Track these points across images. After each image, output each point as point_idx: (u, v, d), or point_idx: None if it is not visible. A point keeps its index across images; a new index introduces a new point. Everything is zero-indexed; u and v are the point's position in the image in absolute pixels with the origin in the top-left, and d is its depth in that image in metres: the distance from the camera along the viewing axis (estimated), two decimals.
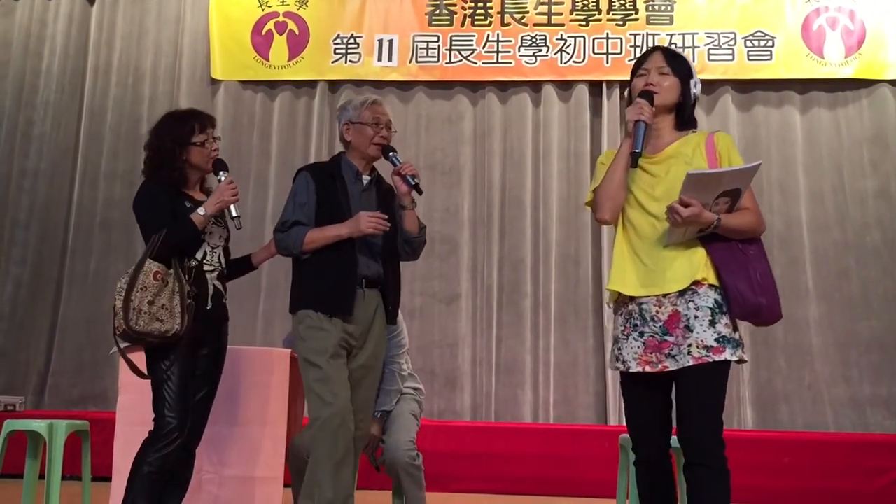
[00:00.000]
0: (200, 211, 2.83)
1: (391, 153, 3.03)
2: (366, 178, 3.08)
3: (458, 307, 5.67)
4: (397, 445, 3.16)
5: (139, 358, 2.77)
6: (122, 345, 2.73)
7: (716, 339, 2.20)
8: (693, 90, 2.41)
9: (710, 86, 5.72)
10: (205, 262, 2.89)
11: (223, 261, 2.97)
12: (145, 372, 2.76)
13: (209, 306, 2.87)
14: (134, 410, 3.13)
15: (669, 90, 2.37)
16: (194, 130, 2.94)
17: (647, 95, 2.34)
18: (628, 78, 2.46)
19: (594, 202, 2.41)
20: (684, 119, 2.43)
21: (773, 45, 5.69)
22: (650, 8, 5.79)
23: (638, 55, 3.11)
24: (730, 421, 5.35)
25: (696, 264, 2.24)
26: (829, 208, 5.64)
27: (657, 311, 2.27)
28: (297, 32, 5.92)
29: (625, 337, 2.33)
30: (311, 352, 2.85)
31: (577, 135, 5.78)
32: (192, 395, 2.82)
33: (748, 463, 4.35)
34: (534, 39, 5.82)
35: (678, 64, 2.41)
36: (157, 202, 2.86)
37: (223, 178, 2.90)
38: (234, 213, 2.89)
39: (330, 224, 2.93)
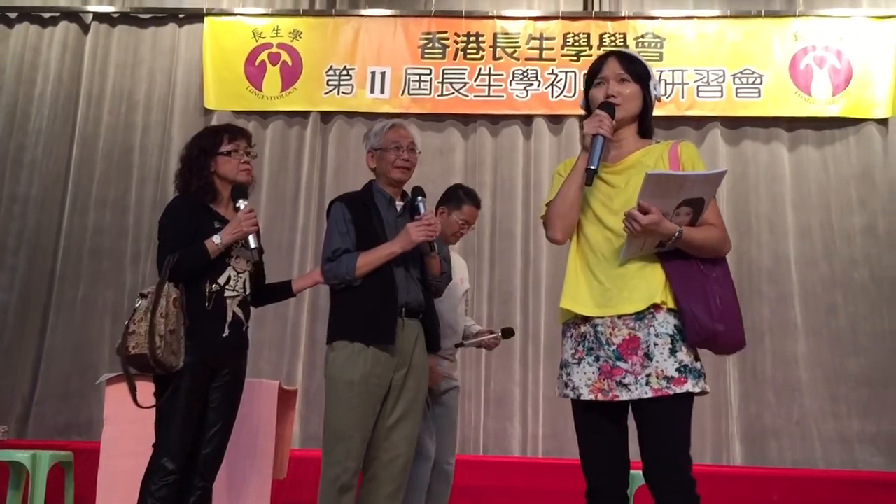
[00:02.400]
0: (216, 239, 2.76)
1: (418, 197, 3.01)
2: (399, 204, 3.07)
3: None
4: (443, 457, 3.24)
5: (142, 385, 2.70)
6: (131, 370, 2.64)
7: (677, 369, 2.07)
8: (654, 93, 2.32)
9: (700, 121, 5.85)
10: (227, 287, 2.84)
11: (248, 287, 2.91)
12: (142, 403, 2.68)
13: (226, 333, 2.80)
14: (118, 442, 3.15)
15: (631, 99, 2.27)
16: (223, 140, 2.93)
17: (609, 108, 2.21)
18: None
19: (546, 219, 2.27)
20: (647, 126, 2.34)
21: (761, 83, 5.79)
22: (640, 44, 5.88)
23: None
24: (718, 456, 5.36)
25: (654, 286, 2.12)
26: (817, 244, 5.69)
27: (611, 334, 2.13)
28: (290, 63, 5.98)
29: (576, 361, 2.18)
30: (341, 384, 2.78)
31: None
32: (208, 428, 2.76)
33: (737, 499, 4.35)
34: (525, 74, 5.89)
35: (636, 68, 2.31)
36: (178, 221, 2.83)
37: (242, 207, 2.84)
38: (252, 245, 2.82)
39: None
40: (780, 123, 5.83)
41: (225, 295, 2.83)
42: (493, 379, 5.59)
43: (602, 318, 2.15)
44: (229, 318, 2.83)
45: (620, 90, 2.26)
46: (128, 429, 2.70)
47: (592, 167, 2.13)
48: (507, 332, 3.41)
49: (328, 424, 2.78)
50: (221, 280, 2.84)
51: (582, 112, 2.39)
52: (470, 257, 5.70)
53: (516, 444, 5.46)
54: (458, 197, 3.68)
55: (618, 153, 2.28)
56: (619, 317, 2.13)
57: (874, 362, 5.48)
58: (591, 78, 2.35)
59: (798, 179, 5.79)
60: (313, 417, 5.44)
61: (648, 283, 2.13)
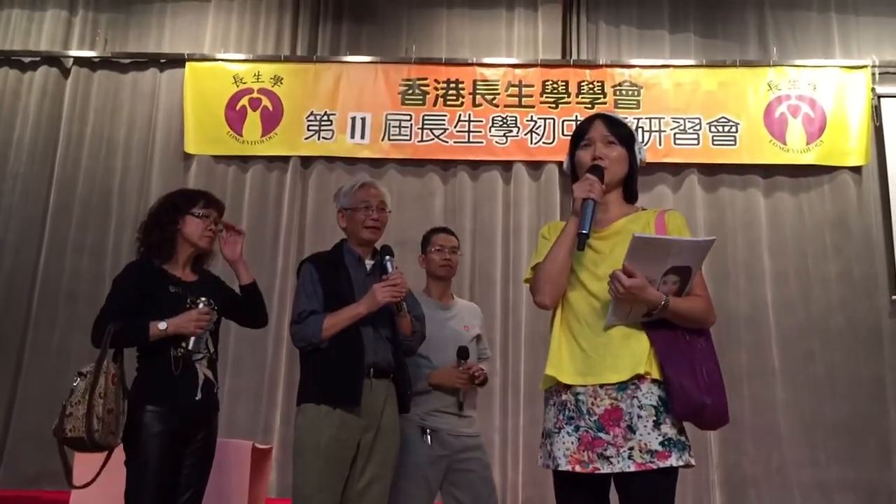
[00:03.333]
0: (161, 325, 2.75)
1: (386, 256, 3.01)
2: (369, 263, 3.09)
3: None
4: None
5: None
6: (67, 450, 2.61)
7: (661, 443, 2.02)
8: (639, 156, 2.32)
9: (676, 168, 5.90)
10: (193, 349, 2.82)
11: (212, 346, 2.91)
12: (111, 470, 2.65)
13: (199, 396, 2.80)
14: (88, 497, 3.07)
15: (618, 162, 2.26)
16: (198, 203, 2.95)
17: (598, 171, 2.20)
18: None
19: (533, 283, 2.23)
20: (632, 190, 2.33)
21: (736, 131, 5.86)
22: (618, 92, 5.96)
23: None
24: None
25: (639, 355, 2.09)
26: (793, 290, 5.73)
27: (593, 403, 2.09)
28: (270, 108, 5.99)
29: (556, 430, 2.14)
30: (308, 448, 2.77)
31: (548, 213, 5.82)
32: (179, 495, 2.73)
33: None
34: (504, 120, 5.93)
35: (621, 131, 2.31)
36: (126, 285, 2.81)
37: (201, 306, 2.83)
38: (189, 345, 2.79)
39: None
40: (755, 171, 5.89)
41: (193, 358, 2.82)
42: None
43: (584, 386, 2.11)
44: (201, 381, 2.82)
45: (607, 153, 2.26)
46: (98, 483, 2.66)
47: (584, 232, 2.10)
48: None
49: (296, 488, 2.77)
50: (186, 343, 2.81)
51: (561, 159, 2.36)
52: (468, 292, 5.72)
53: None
54: (426, 236, 3.75)
55: (604, 218, 2.27)
56: (602, 386, 2.09)
57: (852, 409, 5.49)
58: (577, 139, 2.34)
59: (774, 226, 5.85)
60: (291, 465, 5.33)
61: (633, 352, 2.10)
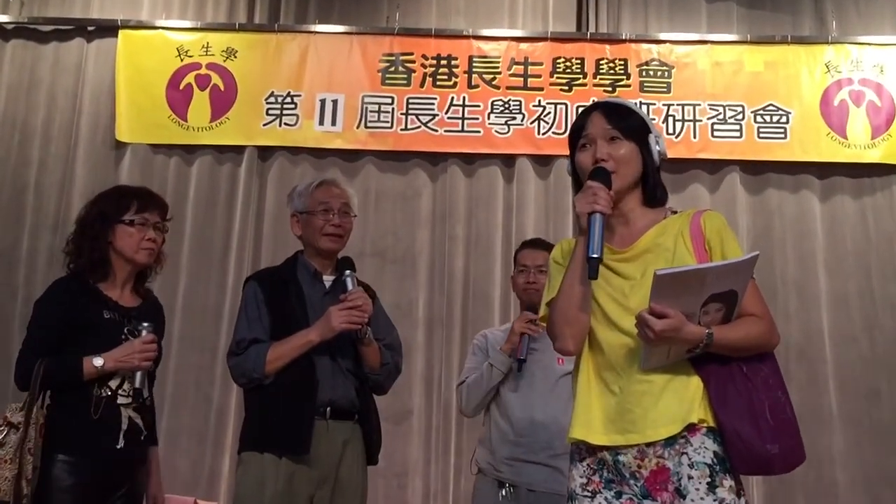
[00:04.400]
0: (97, 361, 2.75)
1: (346, 272, 3.02)
2: (328, 280, 3.10)
3: (409, 428, 5.61)
4: None
5: None
6: None
7: None
8: (656, 148, 2.28)
9: (714, 165, 5.92)
10: (120, 391, 2.83)
11: (147, 388, 2.92)
12: None
13: (120, 444, 2.80)
14: None
15: (628, 161, 2.24)
16: (130, 207, 2.94)
17: (602, 175, 2.17)
18: None
19: (549, 326, 2.24)
20: (653, 192, 2.30)
21: (787, 122, 5.88)
22: (644, 73, 5.97)
23: None
24: None
25: (688, 400, 2.08)
26: (855, 316, 5.73)
27: (639, 466, 2.08)
28: (222, 88, 6.00)
29: (589, 495, 2.13)
30: None
31: (558, 218, 5.85)
32: None
33: None
34: (506, 105, 5.94)
35: (628, 121, 2.28)
36: (52, 311, 2.80)
37: (144, 333, 2.85)
38: (136, 383, 2.81)
39: None
40: (810, 169, 5.90)
41: (118, 401, 2.83)
42: (464, 476, 5.37)
43: (626, 447, 2.10)
44: (124, 427, 2.82)
45: (612, 152, 2.23)
46: None
47: (595, 256, 2.07)
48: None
49: None
50: (113, 383, 2.83)
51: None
52: (437, 327, 5.76)
53: None
54: (516, 252, 3.96)
55: (626, 233, 2.25)
56: (649, 445, 2.08)
57: None
58: (575, 138, 2.32)
59: (833, 237, 5.85)
60: None
61: (681, 399, 2.08)
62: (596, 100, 5.43)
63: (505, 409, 3.65)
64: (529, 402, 3.57)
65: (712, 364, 2.09)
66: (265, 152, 6.04)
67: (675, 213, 2.31)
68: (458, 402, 3.85)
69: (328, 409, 2.89)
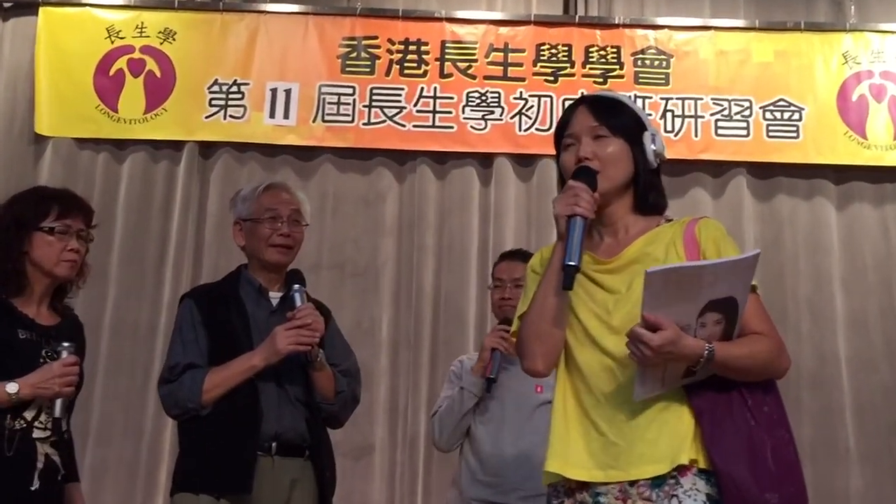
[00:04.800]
0: (10, 388, 2.70)
1: (294, 286, 3.03)
2: (275, 297, 3.11)
3: (370, 464, 5.55)
4: None
5: None
6: None
7: None
8: (651, 148, 2.28)
9: (718, 167, 5.89)
10: (36, 423, 2.80)
11: (67, 422, 2.90)
12: None
13: (35, 486, 2.75)
14: None
15: (616, 161, 2.25)
16: (49, 213, 2.91)
17: (586, 175, 2.19)
18: None
19: (518, 342, 2.25)
20: (644, 197, 2.31)
21: (800, 119, 5.84)
22: (639, 62, 5.93)
23: None
24: None
25: (681, 435, 2.06)
26: (875, 339, 5.70)
27: None
28: (158, 75, 5.90)
29: None
30: None
31: (542, 226, 5.78)
32: None
33: None
34: (484, 97, 5.88)
35: (619, 118, 2.30)
36: None
37: (64, 354, 2.81)
38: (56, 412, 2.78)
39: None
40: (825, 173, 5.87)
41: (33, 435, 2.77)
42: None
43: (607, 484, 2.09)
44: (40, 465, 2.77)
45: (597, 150, 2.23)
46: None
47: (572, 264, 2.08)
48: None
49: None
50: (28, 413, 2.77)
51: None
52: (402, 350, 5.71)
53: None
54: (495, 265, 4.07)
55: (614, 242, 2.26)
56: (633, 483, 2.07)
57: None
58: (560, 136, 2.34)
59: (850, 249, 5.83)
60: None
61: (672, 433, 2.07)
62: (585, 92, 5.54)
63: (475, 445, 3.71)
64: (500, 435, 3.62)
65: (709, 391, 2.07)
66: (207, 149, 5.95)
67: (670, 221, 2.31)
68: (432, 435, 3.88)
69: (274, 443, 2.90)
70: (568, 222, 2.11)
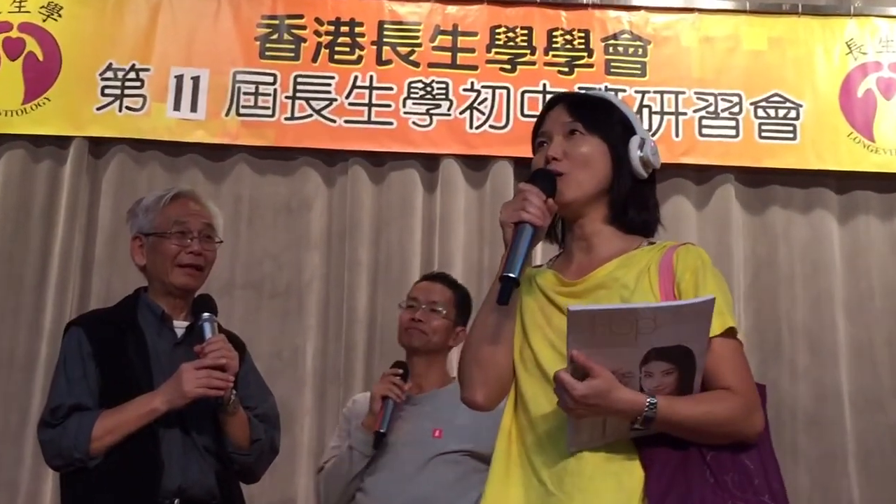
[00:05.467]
0: None
1: (205, 316, 3.08)
2: (180, 326, 3.16)
3: None
4: None
5: None
6: None
7: None
8: (636, 153, 2.31)
9: (702, 172, 5.89)
10: None
11: None
12: None
13: None
14: None
15: (587, 163, 2.28)
16: None
17: (541, 178, 2.23)
18: None
19: (459, 366, 2.29)
20: (622, 210, 2.32)
21: (797, 117, 5.85)
22: (611, 49, 5.91)
23: None
24: None
25: (629, 491, 2.07)
26: (883, 374, 5.71)
27: None
28: (40, 58, 5.81)
29: None
30: None
31: (496, 240, 5.55)
32: None
33: None
34: (428, 88, 5.86)
35: (599, 115, 2.34)
36: None
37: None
38: None
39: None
40: (826, 180, 5.88)
41: None
42: None
43: None
44: None
45: (568, 149, 2.27)
46: None
47: (510, 275, 2.09)
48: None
49: None
50: None
51: (518, 153, 2.36)
52: (331, 385, 5.67)
53: None
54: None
55: (585, 262, 2.28)
56: None
57: None
58: (532, 135, 2.41)
59: (855, 269, 5.82)
60: None
61: (617, 488, 2.07)
62: (547, 84, 5.60)
63: (360, 497, 3.81)
64: (388, 489, 3.71)
65: (661, 447, 2.07)
66: (99, 146, 5.86)
67: (653, 244, 2.31)
68: (316, 496, 3.98)
69: (177, 500, 2.91)
70: (515, 231, 2.14)
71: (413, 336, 3.91)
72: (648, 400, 2.00)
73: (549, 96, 5.71)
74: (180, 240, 3.12)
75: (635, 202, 2.33)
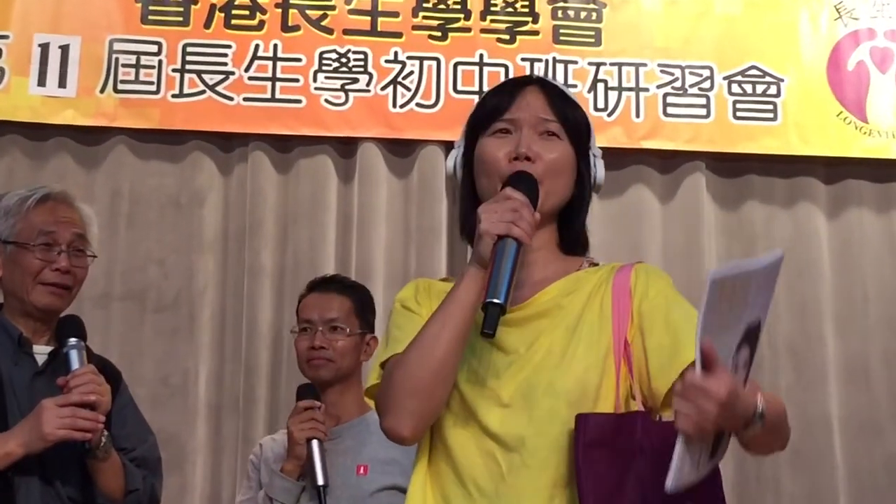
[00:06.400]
0: None
1: (71, 342, 3.08)
2: (41, 353, 3.16)
3: None
4: None
5: None
6: None
7: None
8: (600, 169, 2.37)
9: (667, 160, 5.85)
10: None
11: None
12: None
13: None
14: None
15: (560, 173, 2.30)
16: None
17: (527, 184, 2.20)
18: None
19: (382, 395, 2.21)
20: (577, 231, 2.38)
21: (777, 94, 5.84)
22: (560, 14, 5.86)
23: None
24: None
25: None
26: (879, 395, 5.71)
27: None
28: None
29: None
30: None
31: (423, 240, 5.76)
32: None
33: None
34: (344, 59, 5.80)
35: (577, 116, 2.36)
36: None
37: None
38: None
39: None
40: (813, 168, 5.88)
41: None
42: None
43: None
44: None
45: (543, 151, 2.27)
46: None
47: (498, 302, 2.07)
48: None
49: None
50: None
51: (450, 136, 2.56)
52: (229, 417, 5.60)
53: None
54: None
55: (524, 281, 2.26)
56: None
57: None
58: (486, 117, 2.35)
59: (846, 272, 5.83)
60: None
61: None
62: (485, 55, 5.65)
63: None
64: None
65: (603, 491, 2.08)
66: None
67: (596, 265, 2.36)
68: None
69: None
70: (496, 247, 2.10)
71: (319, 368, 3.83)
72: (757, 404, 1.95)
73: (486, 70, 5.86)
74: (45, 253, 3.11)
75: (583, 221, 2.39)
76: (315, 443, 3.64)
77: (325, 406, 3.81)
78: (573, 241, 2.38)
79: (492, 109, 2.35)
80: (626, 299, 2.23)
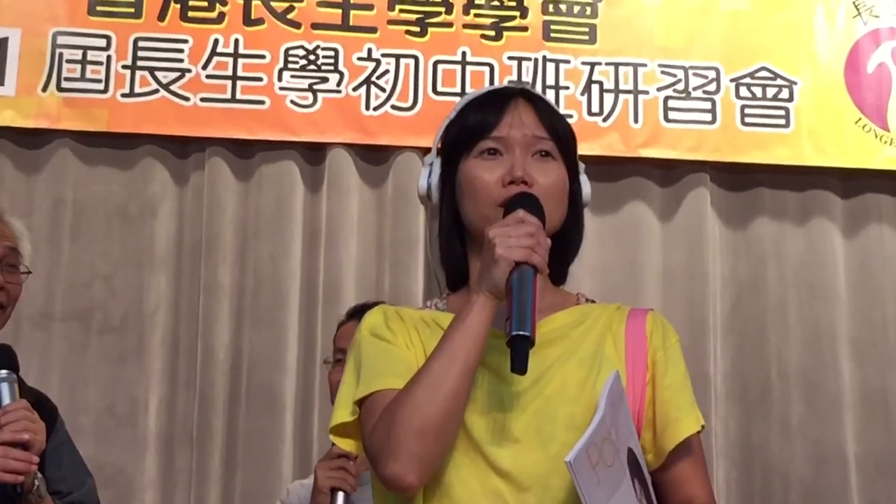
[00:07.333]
0: None
1: (2, 374, 3.10)
2: None
3: None
4: None
5: None
6: None
7: None
8: (588, 189, 2.44)
9: (669, 170, 5.92)
10: None
11: None
12: None
13: None
14: None
15: (558, 196, 2.32)
16: None
17: (538, 208, 2.20)
18: None
19: (372, 436, 2.18)
20: (568, 260, 2.42)
21: (790, 98, 5.91)
22: (551, 8, 5.92)
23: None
24: None
25: None
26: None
27: None
28: None
29: None
30: None
31: (399, 255, 5.82)
32: None
33: None
34: (312, 56, 5.86)
35: (562, 129, 2.38)
36: None
37: None
38: None
39: None
40: (829, 180, 5.94)
41: None
42: None
43: None
44: None
45: (538, 175, 2.28)
46: None
47: (523, 333, 2.06)
48: None
49: None
50: None
51: (426, 143, 2.51)
52: (182, 451, 5.63)
53: None
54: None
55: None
56: None
57: None
58: (471, 133, 2.34)
59: (864, 295, 5.90)
60: None
61: None
62: (468, 52, 5.78)
63: None
64: None
65: None
66: None
67: (593, 303, 2.41)
68: None
69: None
70: (514, 273, 2.10)
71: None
72: None
73: (469, 69, 5.91)
74: None
75: (574, 249, 2.43)
76: (340, 495, 3.69)
77: (359, 457, 3.76)
78: (565, 271, 2.42)
79: (476, 126, 2.35)
80: (641, 347, 2.27)
